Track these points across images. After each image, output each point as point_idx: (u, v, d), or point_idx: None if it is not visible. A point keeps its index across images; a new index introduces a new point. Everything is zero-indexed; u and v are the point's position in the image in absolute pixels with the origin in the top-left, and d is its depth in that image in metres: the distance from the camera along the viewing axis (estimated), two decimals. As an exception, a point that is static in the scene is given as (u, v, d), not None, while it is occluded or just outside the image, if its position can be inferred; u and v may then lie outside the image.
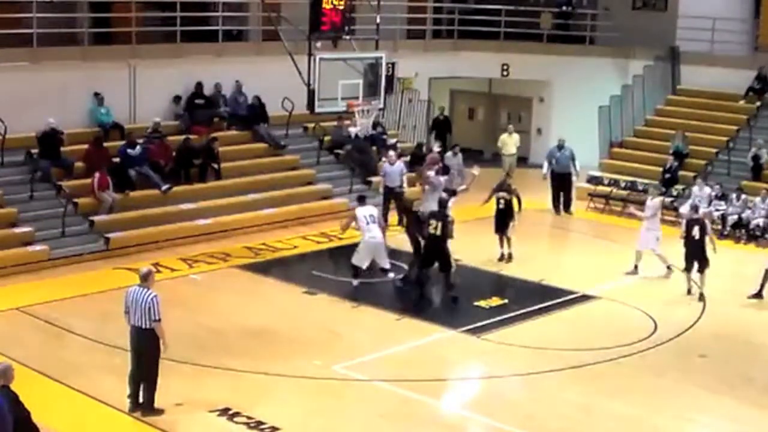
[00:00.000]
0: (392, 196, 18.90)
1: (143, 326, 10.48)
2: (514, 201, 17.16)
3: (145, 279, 10.64)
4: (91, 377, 11.68)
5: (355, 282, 15.37)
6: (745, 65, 23.18)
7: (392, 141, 22.14)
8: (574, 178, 21.39)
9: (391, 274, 15.51)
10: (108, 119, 19.17)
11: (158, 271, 16.09)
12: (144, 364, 10.65)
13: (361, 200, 16.00)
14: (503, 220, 17.12)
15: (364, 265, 15.29)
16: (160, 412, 10.68)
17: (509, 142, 23.88)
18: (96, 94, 19.13)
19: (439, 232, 14.89)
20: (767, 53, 23.09)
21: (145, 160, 18.49)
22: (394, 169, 19.07)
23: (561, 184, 21.29)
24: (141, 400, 10.74)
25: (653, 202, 16.91)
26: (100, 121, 19.10)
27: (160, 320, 10.47)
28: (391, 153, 19.59)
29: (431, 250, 15.13)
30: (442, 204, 15.39)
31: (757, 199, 19.43)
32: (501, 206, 17.13)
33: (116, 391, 10.98)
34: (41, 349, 12.63)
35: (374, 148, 21.68)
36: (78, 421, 10.75)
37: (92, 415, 10.88)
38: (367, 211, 15.52)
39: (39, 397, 10.17)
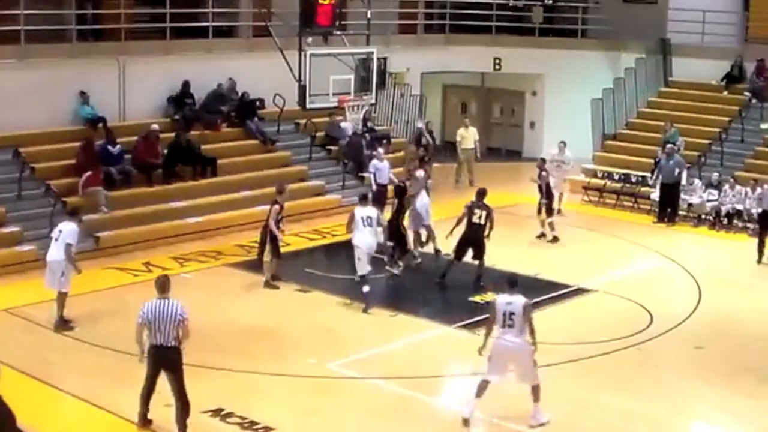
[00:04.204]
0: (384, 192, 18.69)
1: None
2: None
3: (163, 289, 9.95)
4: (80, 379, 11.54)
5: (366, 288, 14.44)
6: (736, 57, 23.14)
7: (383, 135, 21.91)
8: (681, 189, 20.10)
9: (366, 288, 14.49)
10: (94, 113, 18.88)
11: (149, 270, 16.01)
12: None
13: (363, 200, 15.05)
14: None
15: (367, 270, 14.49)
16: None
17: (467, 136, 23.10)
18: (82, 93, 18.89)
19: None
20: (757, 45, 23.06)
21: (124, 158, 18.23)
22: (384, 165, 18.84)
23: (666, 195, 19.98)
24: None
25: None
26: (85, 119, 18.87)
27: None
28: (380, 149, 19.36)
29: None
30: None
31: (747, 189, 19.26)
32: None
33: (106, 393, 10.84)
34: (29, 350, 12.47)
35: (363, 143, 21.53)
36: (66, 424, 10.61)
37: (81, 417, 10.74)
38: (366, 213, 14.64)
39: (26, 400, 9.99)
